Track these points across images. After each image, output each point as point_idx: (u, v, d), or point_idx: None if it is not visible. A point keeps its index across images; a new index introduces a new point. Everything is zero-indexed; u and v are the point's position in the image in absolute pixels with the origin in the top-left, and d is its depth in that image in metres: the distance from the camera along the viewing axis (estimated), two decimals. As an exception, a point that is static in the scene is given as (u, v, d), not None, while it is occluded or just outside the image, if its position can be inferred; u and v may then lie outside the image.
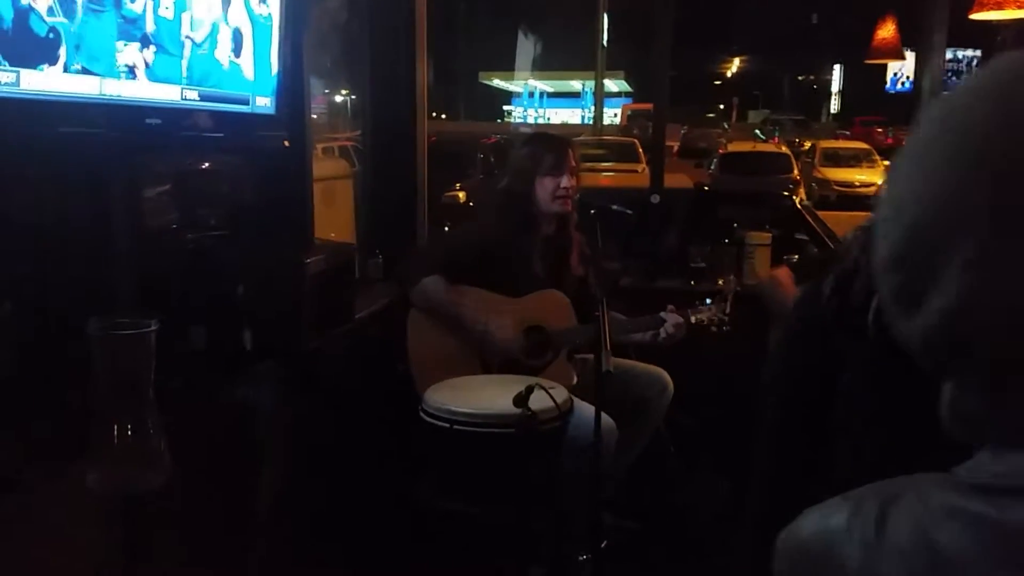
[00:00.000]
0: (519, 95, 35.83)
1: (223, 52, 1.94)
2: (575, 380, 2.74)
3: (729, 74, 49.35)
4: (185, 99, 1.83)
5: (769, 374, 1.40)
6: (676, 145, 25.91)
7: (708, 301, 2.80)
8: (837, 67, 42.34)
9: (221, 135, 2.02)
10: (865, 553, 0.59)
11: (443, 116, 30.86)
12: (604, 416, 2.36)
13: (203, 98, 1.89)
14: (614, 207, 2.74)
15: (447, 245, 2.96)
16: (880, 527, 0.59)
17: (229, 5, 1.94)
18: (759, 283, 3.12)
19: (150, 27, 1.70)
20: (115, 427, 1.35)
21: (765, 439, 1.34)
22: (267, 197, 2.34)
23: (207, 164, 2.15)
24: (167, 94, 1.77)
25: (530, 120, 32.69)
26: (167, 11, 1.74)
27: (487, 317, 2.75)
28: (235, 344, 2.03)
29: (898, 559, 0.57)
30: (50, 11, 1.46)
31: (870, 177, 18.69)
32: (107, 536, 1.45)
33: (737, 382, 3.14)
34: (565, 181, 2.82)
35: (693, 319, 2.78)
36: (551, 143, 2.90)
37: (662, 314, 2.78)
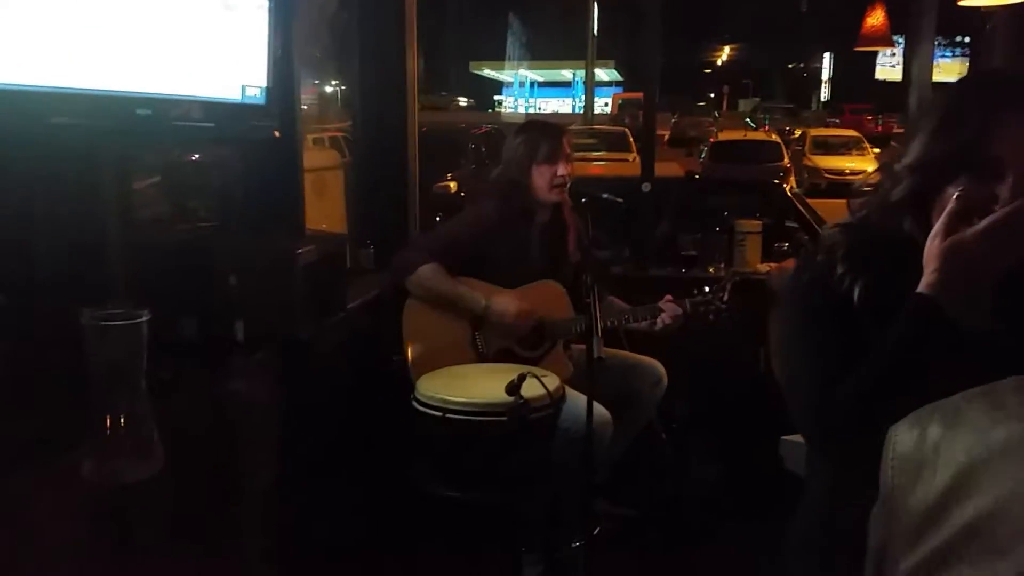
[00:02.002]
0: (510, 85, 35.75)
1: (213, 41, 1.93)
2: (571, 371, 2.75)
3: (719, 63, 49.37)
4: (175, 89, 1.83)
5: (786, 335, 1.43)
6: (667, 134, 25.92)
7: (706, 290, 2.81)
8: (827, 55, 42.36)
9: (211, 125, 2.01)
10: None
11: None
12: (599, 406, 2.36)
13: (193, 88, 1.88)
14: (605, 195, 2.75)
15: (444, 234, 2.95)
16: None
17: (218, -5, 1.93)
18: (767, 275, 3.13)
19: (140, 16, 1.69)
20: (108, 418, 1.36)
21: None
22: (258, 188, 2.34)
23: (198, 155, 2.15)
24: (157, 84, 1.77)
25: (520, 110, 32.62)
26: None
27: (486, 297, 2.75)
28: (227, 334, 2.03)
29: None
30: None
31: (860, 165, 18.74)
32: (101, 526, 1.45)
33: (729, 370, 3.17)
34: (561, 169, 2.82)
35: (690, 309, 2.79)
36: (546, 131, 2.90)
37: (660, 303, 2.79)
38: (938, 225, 1.17)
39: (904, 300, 1.23)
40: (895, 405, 1.15)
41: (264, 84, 2.12)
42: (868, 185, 1.38)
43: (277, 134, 2.37)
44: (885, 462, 0.68)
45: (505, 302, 2.74)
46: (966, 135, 1.20)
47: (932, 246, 1.18)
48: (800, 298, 1.37)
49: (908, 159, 1.26)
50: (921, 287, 1.19)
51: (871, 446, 1.24)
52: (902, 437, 0.68)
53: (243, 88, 2.06)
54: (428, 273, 2.74)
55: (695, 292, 2.82)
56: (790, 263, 2.94)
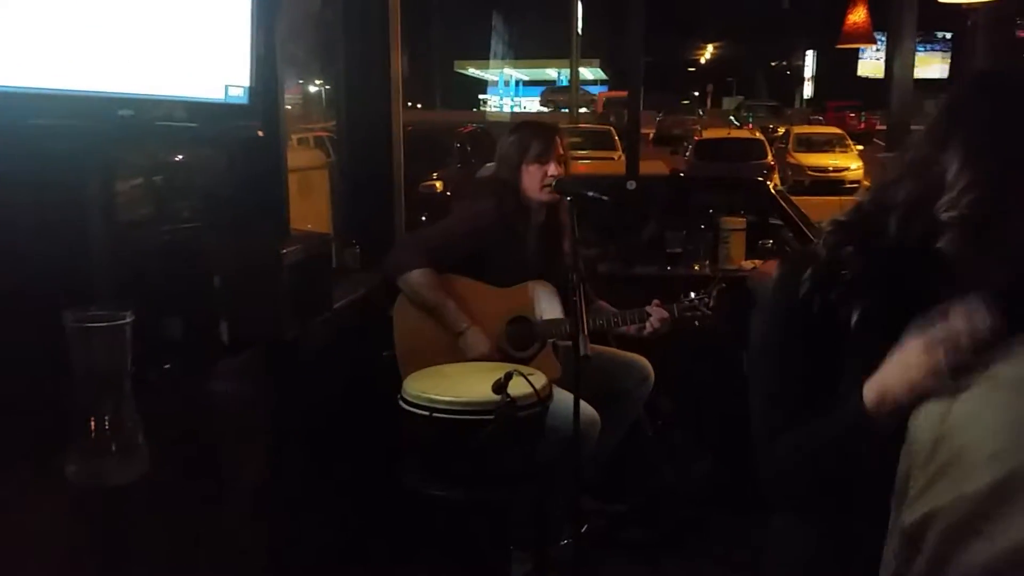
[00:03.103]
0: (495, 84, 35.71)
1: (195, 41, 1.92)
2: (560, 371, 2.74)
3: (703, 61, 49.51)
4: (157, 89, 1.82)
5: (752, 358, 1.40)
6: (651, 132, 26.00)
7: (692, 296, 2.81)
8: (810, 53, 42.52)
9: (194, 125, 2.00)
10: None
11: (419, 106, 30.74)
12: (586, 406, 2.36)
13: (175, 88, 1.87)
14: (590, 194, 2.75)
15: (439, 233, 2.92)
16: None
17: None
18: (747, 276, 3.15)
19: (121, 16, 1.68)
20: (92, 420, 1.35)
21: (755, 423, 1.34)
22: (242, 187, 2.33)
23: (181, 155, 2.14)
24: (138, 85, 1.76)
25: (505, 109, 32.60)
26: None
27: (468, 324, 2.74)
28: (212, 335, 2.02)
29: None
30: (18, 1, 1.44)
31: (843, 162, 18.87)
32: (87, 528, 1.44)
33: (716, 365, 3.18)
34: (552, 169, 2.81)
35: (677, 314, 2.80)
36: (538, 131, 2.89)
37: (647, 308, 2.80)
38: (944, 333, 1.01)
39: (898, 329, 1.15)
40: (824, 480, 1.18)
41: (247, 83, 2.11)
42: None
43: (261, 134, 2.36)
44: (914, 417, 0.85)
45: (479, 341, 2.74)
46: None
47: (923, 357, 1.03)
48: (780, 322, 1.33)
49: (959, 211, 1.13)
50: (879, 383, 1.11)
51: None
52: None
53: (226, 88, 2.05)
54: (418, 279, 2.74)
55: (682, 297, 2.82)
56: (770, 266, 2.95)
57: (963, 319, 0.98)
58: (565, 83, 31.76)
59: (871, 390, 1.12)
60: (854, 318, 1.22)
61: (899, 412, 1.01)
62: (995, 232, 1.13)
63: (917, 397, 0.97)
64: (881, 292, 1.22)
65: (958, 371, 0.92)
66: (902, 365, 1.05)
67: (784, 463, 1.25)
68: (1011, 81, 1.24)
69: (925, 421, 0.83)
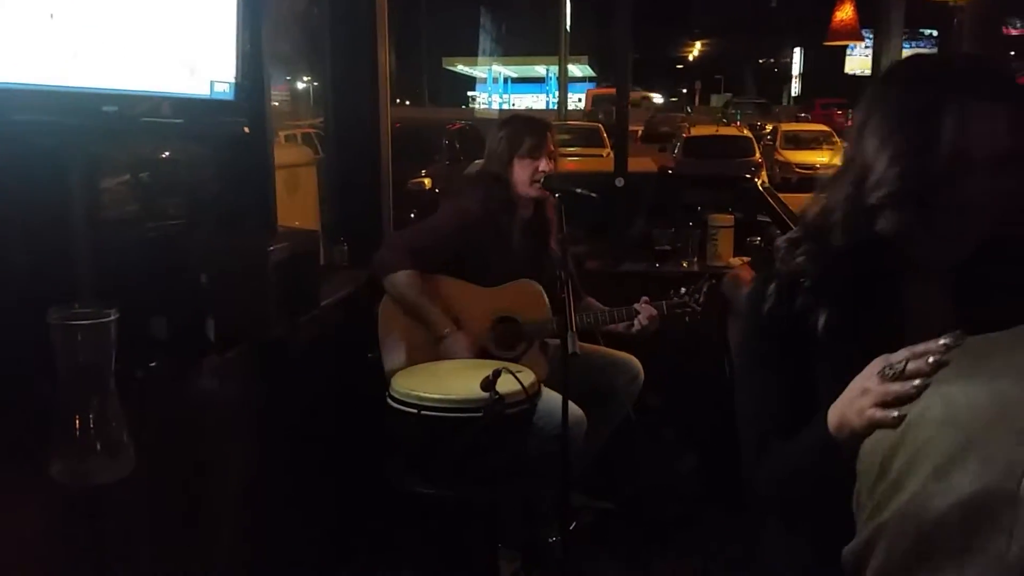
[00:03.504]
0: (483, 81, 35.61)
1: (181, 36, 1.90)
2: (548, 371, 2.74)
3: (691, 58, 49.57)
4: (142, 85, 1.80)
5: (734, 374, 1.41)
6: (640, 130, 26.02)
7: (683, 291, 2.81)
8: (797, 50, 42.64)
9: (180, 122, 1.99)
10: None
11: (407, 102, 30.65)
12: (572, 406, 2.36)
13: (159, 84, 1.86)
14: (579, 191, 2.74)
15: (426, 231, 2.90)
16: None
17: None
18: (721, 282, 3.16)
19: (105, 10, 1.66)
20: (77, 418, 1.34)
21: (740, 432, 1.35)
22: (229, 184, 2.31)
23: (166, 151, 2.12)
24: (123, 81, 1.74)
25: (494, 106, 32.55)
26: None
27: (450, 329, 2.71)
28: (199, 333, 2.01)
29: None
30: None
31: (831, 159, 18.79)
32: (71, 527, 1.43)
33: (704, 361, 3.18)
34: (543, 165, 2.80)
35: (667, 311, 2.79)
36: (530, 125, 2.87)
37: (636, 306, 2.79)
38: (892, 389, 0.93)
39: (870, 327, 1.19)
40: (806, 499, 1.17)
41: (233, 79, 2.10)
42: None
43: (247, 130, 2.34)
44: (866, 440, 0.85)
45: (459, 347, 2.70)
46: (950, 145, 1.12)
47: (873, 384, 0.99)
48: (754, 338, 1.35)
49: (887, 187, 1.16)
50: (837, 408, 1.09)
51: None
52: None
53: (212, 84, 2.03)
54: (403, 280, 2.72)
55: (671, 293, 2.82)
56: (744, 271, 2.95)
57: (919, 348, 0.94)
58: (553, 80, 31.75)
59: (832, 415, 1.11)
60: (820, 324, 1.24)
61: (858, 437, 0.96)
62: (929, 205, 1.16)
63: (868, 424, 0.94)
64: (843, 294, 1.24)
65: (904, 399, 0.88)
66: (855, 391, 1.04)
67: (770, 482, 1.27)
68: (921, 62, 1.30)
69: (874, 443, 0.83)
